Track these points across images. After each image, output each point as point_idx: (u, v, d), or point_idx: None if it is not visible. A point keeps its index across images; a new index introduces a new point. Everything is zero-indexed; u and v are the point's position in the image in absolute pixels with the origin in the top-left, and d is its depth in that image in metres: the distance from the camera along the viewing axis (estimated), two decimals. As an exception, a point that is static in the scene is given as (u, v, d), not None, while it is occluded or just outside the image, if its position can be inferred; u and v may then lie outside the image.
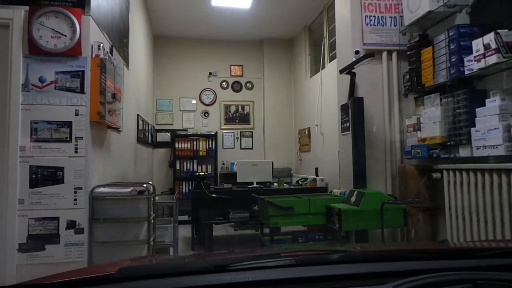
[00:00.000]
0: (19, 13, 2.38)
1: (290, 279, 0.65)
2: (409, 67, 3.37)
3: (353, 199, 3.11)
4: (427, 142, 3.07)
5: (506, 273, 0.60)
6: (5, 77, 2.37)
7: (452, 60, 2.83)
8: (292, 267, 0.74)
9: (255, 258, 0.81)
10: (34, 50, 2.39)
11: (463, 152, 2.78)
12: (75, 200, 2.47)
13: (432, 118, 3.05)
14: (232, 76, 7.16)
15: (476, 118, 2.63)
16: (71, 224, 2.45)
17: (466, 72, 2.71)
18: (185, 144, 6.50)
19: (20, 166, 2.37)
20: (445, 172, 2.89)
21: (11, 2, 2.38)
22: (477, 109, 2.64)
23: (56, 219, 2.43)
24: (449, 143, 2.91)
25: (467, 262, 0.68)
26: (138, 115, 4.76)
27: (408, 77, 3.40)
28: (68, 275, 0.78)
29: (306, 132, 6.38)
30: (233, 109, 7.14)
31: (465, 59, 2.72)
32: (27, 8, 2.38)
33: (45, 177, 2.42)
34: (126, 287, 0.64)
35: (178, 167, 6.45)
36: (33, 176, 2.39)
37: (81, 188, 2.47)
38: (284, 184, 4.98)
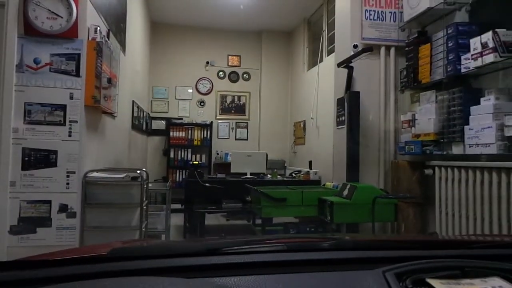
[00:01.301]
0: (15, -8, 2.33)
1: (282, 261, 0.66)
2: (407, 63, 3.37)
3: (345, 192, 3.14)
4: (421, 138, 3.10)
5: (492, 262, 0.62)
6: (-1, 57, 2.34)
7: (450, 57, 2.84)
8: (284, 252, 0.74)
9: (247, 243, 0.82)
10: (30, 31, 2.35)
11: (456, 150, 2.81)
12: (67, 184, 2.46)
13: (426, 115, 3.07)
14: (230, 66, 7.12)
15: (470, 116, 2.65)
16: (63, 208, 2.44)
17: (463, 70, 2.72)
18: (180, 133, 6.47)
19: (13, 148, 2.34)
20: (437, 169, 2.92)
21: (7, -19, 2.33)
22: (471, 108, 2.65)
23: (48, 202, 2.42)
24: (442, 140, 2.93)
25: (455, 251, 0.70)
26: (133, 101, 4.72)
27: (405, 73, 3.41)
28: (60, 254, 0.78)
29: (302, 125, 6.39)
30: (229, 99, 7.11)
31: (462, 57, 2.73)
32: (23, -13, 2.34)
33: (38, 160, 2.40)
34: (117, 267, 0.64)
35: (172, 155, 6.43)
36: (26, 158, 2.37)
37: (74, 172, 2.46)
38: (278, 176, 4.99)
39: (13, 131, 2.35)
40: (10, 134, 2.33)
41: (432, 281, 0.55)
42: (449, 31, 2.86)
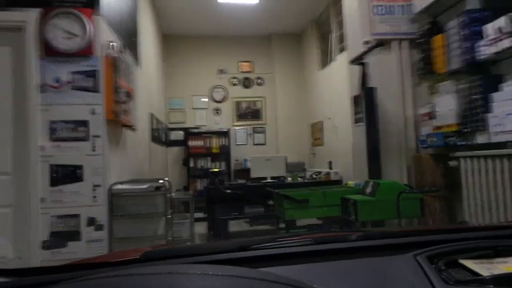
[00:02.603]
0: (32, 15, 2.44)
1: (310, 251, 0.67)
2: (421, 55, 3.32)
3: (368, 189, 3.10)
4: (443, 130, 3.03)
5: None
6: (22, 79, 2.44)
7: (465, 46, 2.78)
8: (312, 245, 0.75)
9: (275, 240, 0.83)
10: (49, 51, 2.44)
11: (480, 139, 2.74)
12: (94, 197, 2.52)
13: (446, 106, 3.01)
14: (242, 72, 7.17)
15: (493, 103, 2.59)
16: (91, 221, 2.51)
17: (480, 58, 2.66)
18: (198, 142, 6.55)
19: (41, 166, 2.43)
20: (462, 160, 2.84)
21: (24, 5, 2.44)
22: (493, 94, 2.59)
23: (77, 216, 2.49)
24: (465, 130, 2.86)
25: (486, 233, 0.69)
26: (151, 114, 4.82)
27: (420, 65, 3.36)
28: (94, 259, 0.81)
29: (319, 126, 6.35)
30: (244, 105, 7.15)
31: (478, 45, 2.67)
32: (39, 10, 2.44)
33: (65, 175, 2.48)
34: (151, 268, 0.66)
35: (192, 164, 6.50)
36: (54, 174, 2.46)
37: (99, 186, 2.53)
38: (298, 178, 4.98)
39: (40, 149, 2.43)
40: (38, 152, 2.42)
41: (465, 262, 0.54)
42: (461, 19, 2.81)
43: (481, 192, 2.67)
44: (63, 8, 2.46)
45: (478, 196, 2.71)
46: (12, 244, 2.38)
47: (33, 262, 2.34)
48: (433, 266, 0.54)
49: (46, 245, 2.41)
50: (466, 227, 0.94)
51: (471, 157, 2.75)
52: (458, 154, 2.92)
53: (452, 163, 3.04)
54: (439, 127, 3.10)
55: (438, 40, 3.09)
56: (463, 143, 2.88)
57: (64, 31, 2.45)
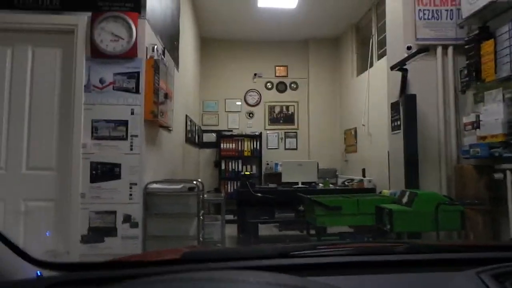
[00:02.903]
0: (83, 19, 2.56)
1: (354, 262, 0.64)
2: (467, 61, 3.17)
3: (405, 199, 2.99)
4: (488, 140, 2.88)
5: None
6: (70, 79, 2.56)
7: (517, 52, 2.63)
8: (354, 256, 0.72)
9: (316, 247, 0.81)
10: (96, 53, 2.55)
11: (530, 151, 2.57)
12: (130, 195, 2.59)
13: (493, 115, 2.85)
14: (277, 76, 7.17)
15: (545, 114, 2.42)
16: (127, 218, 2.58)
17: (533, 65, 2.50)
18: (230, 145, 6.60)
19: (83, 162, 2.53)
20: (508, 172, 2.68)
21: (76, 9, 2.56)
22: (546, 104, 2.43)
23: (114, 213, 2.57)
24: (512, 141, 2.70)
25: None
26: (186, 115, 4.91)
27: (466, 72, 3.21)
28: (137, 257, 0.82)
29: (352, 133, 6.23)
30: (277, 109, 7.14)
31: (531, 51, 2.52)
32: (89, 14, 2.56)
33: (104, 172, 2.57)
34: (192, 268, 0.66)
35: (223, 167, 6.56)
36: (93, 171, 2.55)
37: (136, 184, 2.60)
38: (330, 185, 4.89)
39: (82, 146, 2.54)
40: (80, 150, 2.53)
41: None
42: (514, 25, 2.66)
43: (530, 208, 2.50)
44: (111, 12, 2.56)
45: (526, 212, 2.54)
46: (54, 237, 2.50)
47: (72, 255, 2.44)
48: (500, 285, 0.50)
49: (85, 240, 2.50)
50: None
51: (519, 170, 2.59)
52: (504, 166, 2.76)
53: (498, 176, 2.88)
54: (483, 137, 2.94)
55: (487, 46, 2.94)
56: (510, 155, 2.71)
57: (111, 34, 2.55)
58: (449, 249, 0.74)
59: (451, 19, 3.36)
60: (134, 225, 2.58)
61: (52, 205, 2.53)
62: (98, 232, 2.52)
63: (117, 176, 2.58)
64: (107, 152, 2.58)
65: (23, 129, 2.56)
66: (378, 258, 0.67)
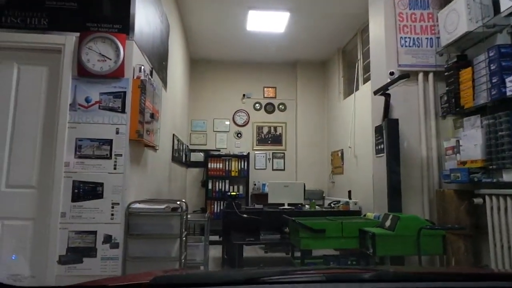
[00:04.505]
0: (70, 39, 2.58)
1: None
2: (447, 88, 3.28)
3: (388, 223, 3.01)
4: (468, 165, 2.94)
5: None
6: (55, 97, 2.56)
7: (493, 80, 2.74)
8: (323, 283, 0.73)
9: (285, 273, 0.81)
10: (82, 73, 2.57)
11: (507, 177, 2.64)
12: (112, 215, 2.56)
13: (472, 141, 2.93)
14: (265, 97, 7.26)
15: (521, 141, 2.50)
16: (108, 239, 2.53)
17: (508, 93, 2.60)
18: (218, 164, 6.59)
19: (64, 181, 2.50)
20: (487, 198, 2.74)
21: (64, 29, 2.59)
22: (521, 132, 2.51)
23: (94, 233, 2.52)
24: (491, 166, 2.77)
25: (508, 284, 0.65)
26: (173, 134, 4.91)
27: (446, 98, 3.31)
28: (105, 281, 0.82)
29: (339, 154, 6.29)
30: (265, 130, 7.20)
31: (506, 80, 2.62)
32: (78, 34, 2.59)
33: (86, 191, 2.54)
34: None
35: (210, 186, 6.53)
36: (75, 190, 2.52)
37: (118, 204, 2.57)
38: (316, 207, 4.89)
39: (65, 165, 2.52)
40: (62, 168, 2.50)
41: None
42: (491, 54, 2.78)
43: (508, 232, 2.54)
44: (99, 33, 2.60)
45: (505, 236, 2.58)
46: (30, 258, 2.43)
47: (49, 276, 2.38)
48: None
49: (63, 260, 2.45)
50: (489, 273, 0.89)
51: (497, 195, 2.65)
52: (483, 191, 2.81)
53: (477, 200, 2.93)
54: (463, 163, 3.01)
55: (465, 73, 3.05)
56: (489, 180, 2.78)
57: (98, 54, 2.58)
58: (419, 278, 0.75)
59: (431, 46, 3.49)
60: (115, 245, 2.54)
61: (30, 224, 2.48)
62: (77, 253, 2.47)
63: (99, 196, 2.56)
64: (90, 171, 2.56)
65: (4, 147, 2.53)
66: (347, 286, 0.68)
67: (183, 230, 2.77)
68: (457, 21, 3.05)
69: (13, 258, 2.41)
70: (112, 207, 2.56)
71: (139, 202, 2.78)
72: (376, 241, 2.83)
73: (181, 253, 2.71)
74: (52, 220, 2.45)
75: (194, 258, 3.35)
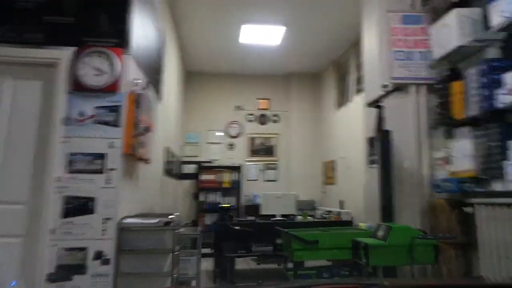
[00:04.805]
0: (67, 53, 2.57)
1: None
2: (439, 100, 3.33)
3: (380, 233, 3.01)
4: (458, 175, 2.98)
5: None
6: (49, 111, 2.53)
7: (483, 93, 2.79)
8: None
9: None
10: (78, 87, 2.55)
11: (497, 186, 2.67)
12: (103, 230, 2.52)
13: (463, 152, 2.98)
14: (259, 109, 7.29)
15: (511, 151, 2.55)
16: (98, 255, 2.48)
17: (499, 106, 2.65)
18: (210, 176, 6.56)
19: (55, 197, 2.46)
20: (476, 206, 2.77)
21: (60, 44, 2.58)
22: (510, 142, 2.56)
23: (84, 249, 2.47)
24: (481, 177, 2.81)
25: None
26: (166, 147, 4.88)
27: (437, 110, 3.36)
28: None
29: (331, 165, 6.32)
30: (258, 141, 7.20)
31: (497, 93, 2.68)
32: (74, 48, 2.58)
33: (77, 207, 2.49)
34: None
35: (202, 198, 6.48)
36: (66, 206, 2.47)
37: (109, 219, 2.53)
38: (308, 217, 4.89)
39: (57, 180, 2.47)
40: (52, 184, 2.46)
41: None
42: (481, 67, 2.84)
43: (498, 242, 2.57)
44: (96, 47, 2.59)
45: (494, 245, 2.60)
46: (18, 276, 2.36)
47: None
48: None
49: (51, 278, 2.38)
50: (483, 284, 0.89)
51: (487, 204, 2.68)
52: (473, 200, 2.85)
53: (468, 210, 2.96)
54: (454, 173, 3.05)
55: (456, 86, 3.10)
56: (479, 189, 2.81)
57: (94, 68, 2.56)
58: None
59: (424, 60, 3.55)
60: (106, 262, 2.49)
61: (19, 241, 2.42)
62: (66, 270, 2.41)
63: (91, 211, 2.51)
64: (82, 185, 2.52)
65: (-4, 162, 2.48)
66: None
67: (176, 245, 2.74)
68: (449, 36, 3.11)
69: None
70: (104, 223, 2.52)
71: (131, 216, 2.74)
72: (369, 252, 2.83)
73: (173, 268, 2.67)
74: (41, 237, 2.40)
75: (186, 273, 3.31)
